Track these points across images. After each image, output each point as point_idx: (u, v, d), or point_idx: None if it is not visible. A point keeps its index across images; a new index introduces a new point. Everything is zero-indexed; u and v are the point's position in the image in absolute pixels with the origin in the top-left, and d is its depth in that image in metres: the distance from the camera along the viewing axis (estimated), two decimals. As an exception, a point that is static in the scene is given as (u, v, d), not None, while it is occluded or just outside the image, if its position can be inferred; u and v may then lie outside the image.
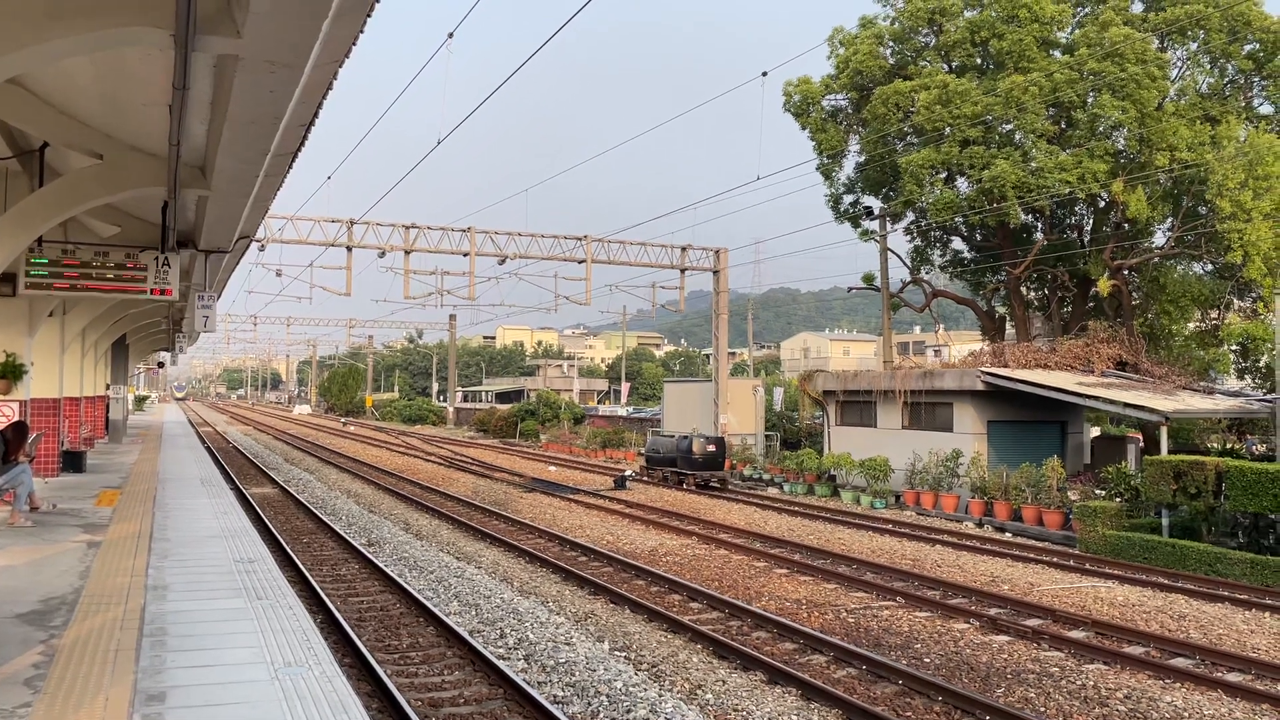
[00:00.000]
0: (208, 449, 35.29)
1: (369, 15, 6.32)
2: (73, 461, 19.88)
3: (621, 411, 65.90)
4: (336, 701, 5.87)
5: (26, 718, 5.21)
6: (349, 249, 32.40)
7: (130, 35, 6.05)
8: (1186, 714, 9.63)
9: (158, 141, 10.22)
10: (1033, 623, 12.96)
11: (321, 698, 5.92)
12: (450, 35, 12.53)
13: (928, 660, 11.41)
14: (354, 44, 6.81)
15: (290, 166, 10.31)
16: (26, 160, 12.53)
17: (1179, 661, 11.36)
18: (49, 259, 13.13)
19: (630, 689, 9.61)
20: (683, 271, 37.58)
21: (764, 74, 22.93)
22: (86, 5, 5.81)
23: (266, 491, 27.22)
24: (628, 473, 32.30)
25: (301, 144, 9.37)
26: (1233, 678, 10.76)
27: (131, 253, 13.63)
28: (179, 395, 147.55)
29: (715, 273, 37.57)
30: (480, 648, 10.67)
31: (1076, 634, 12.49)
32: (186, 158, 9.42)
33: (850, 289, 37.18)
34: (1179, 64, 29.02)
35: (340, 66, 7.22)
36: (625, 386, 79.36)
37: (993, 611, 13.64)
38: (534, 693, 9.16)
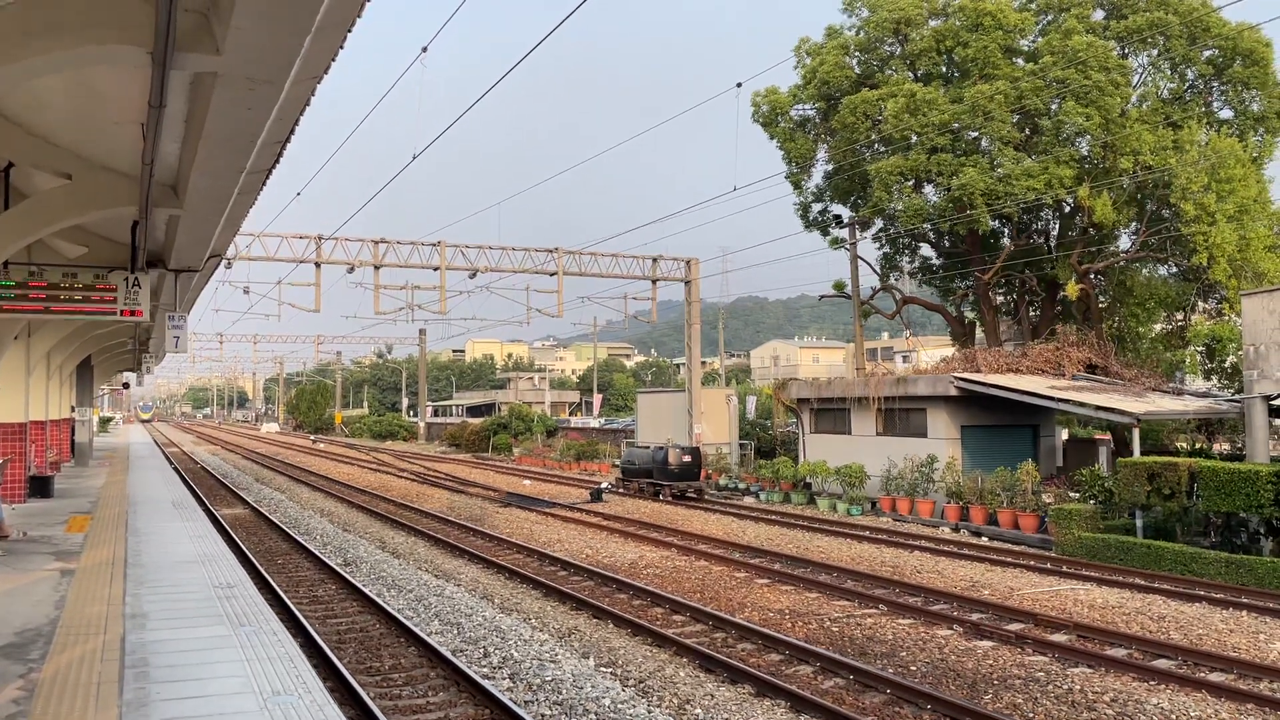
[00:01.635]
0: (176, 470, 34.77)
1: (350, 30, 6.25)
2: (40, 487, 19.49)
3: (594, 423, 65.75)
4: (329, 730, 5.75)
5: (9, 757, 5.05)
6: (318, 265, 32.10)
7: (107, 54, 5.93)
8: (1173, 715, 9.69)
9: (129, 160, 10.05)
10: (1015, 627, 13.01)
11: (313, 726, 5.79)
12: (424, 50, 12.45)
13: (914, 668, 11.41)
14: (333, 59, 6.73)
15: (264, 184, 10.18)
16: (-10, 181, 12.28)
17: (1162, 663, 11.45)
18: (15, 281, 12.87)
19: (619, 706, 9.52)
20: (654, 282, 37.59)
21: (738, 85, 23.03)
22: (63, 24, 5.68)
23: (238, 512, 26.84)
24: (604, 485, 32.19)
25: (276, 161, 9.25)
26: (1215, 678, 10.85)
27: (100, 273, 13.39)
28: (145, 417, 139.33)
29: (687, 283, 37.62)
30: (464, 667, 10.54)
31: (1059, 638, 12.55)
32: (159, 176, 9.25)
33: (821, 297, 37.33)
34: (1141, 70, 29.44)
35: (319, 82, 7.14)
36: (597, 398, 79.21)
37: (975, 617, 13.68)
38: (521, 712, 9.05)
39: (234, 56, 5.80)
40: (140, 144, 8.49)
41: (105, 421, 73.50)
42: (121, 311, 13.18)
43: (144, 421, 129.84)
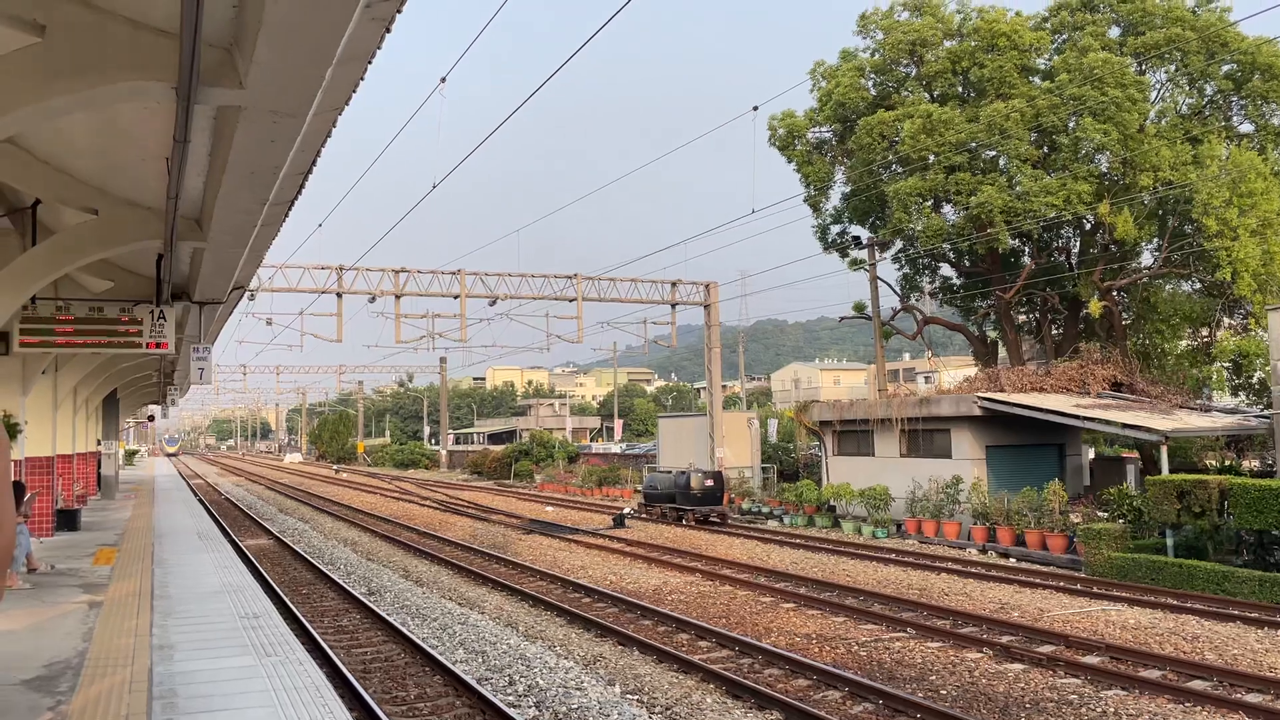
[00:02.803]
0: (200, 502, 34.92)
1: (370, 62, 6.32)
2: (68, 520, 19.62)
3: (615, 448, 65.69)
4: (356, 760, 5.72)
5: (39, 790, 5.05)
6: (339, 295, 32.34)
7: (131, 90, 6.02)
8: (1211, 738, 9.51)
9: (154, 195, 10.18)
10: (1046, 649, 12.83)
11: (341, 757, 5.77)
12: (443, 80, 12.58)
13: (944, 692, 11.26)
14: (355, 90, 6.80)
15: (286, 215, 10.27)
16: (18, 218, 12.46)
17: (1197, 684, 11.25)
18: (43, 316, 13.02)
19: (646, 733, 9.44)
20: (674, 306, 37.61)
21: (755, 108, 23.16)
22: (88, 62, 5.77)
23: (262, 543, 26.92)
24: (626, 510, 32.09)
25: (299, 192, 9.34)
26: (1252, 698, 10.65)
27: (126, 307, 13.53)
28: (170, 450, 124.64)
29: (706, 306, 37.63)
30: (490, 695, 10.49)
31: (1091, 659, 12.37)
32: (184, 210, 9.37)
33: (841, 318, 37.27)
34: (1158, 86, 29.38)
35: (340, 113, 7.21)
36: (618, 423, 79.18)
37: (1005, 639, 13.50)
38: (549, 741, 8.98)
39: (257, 90, 5.87)
40: (164, 178, 8.61)
41: (131, 454, 74.07)
42: (147, 344, 13.30)
43: (170, 455, 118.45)
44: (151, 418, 70.25)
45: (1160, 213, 27.86)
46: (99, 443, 33.87)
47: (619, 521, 29.82)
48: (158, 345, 13.40)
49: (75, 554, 15.67)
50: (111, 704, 6.67)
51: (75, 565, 14.33)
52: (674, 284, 37.18)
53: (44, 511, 18.19)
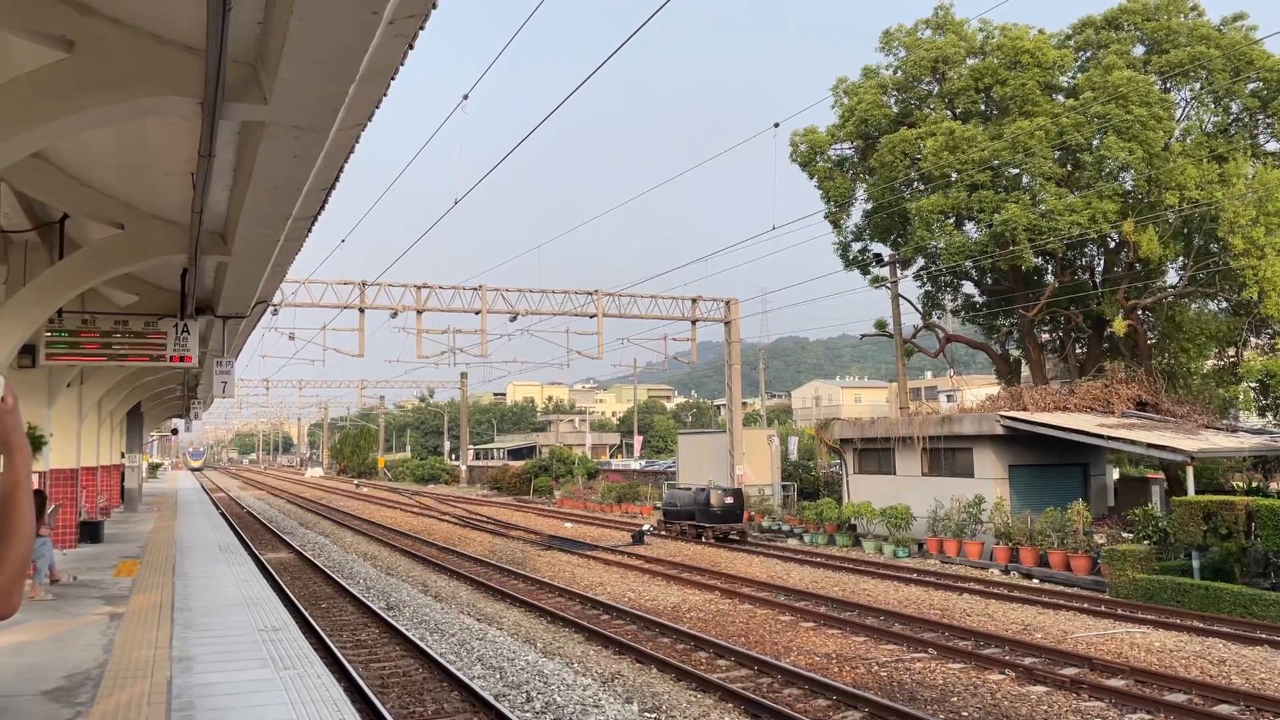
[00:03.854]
0: (222, 515, 35.14)
1: (393, 79, 6.36)
2: (90, 532, 19.77)
3: (635, 465, 65.62)
4: (372, 775, 5.71)
5: (57, 800, 5.06)
6: (361, 310, 32.53)
7: (157, 105, 6.09)
8: (1238, 764, 9.34)
9: (179, 209, 10.29)
10: (1070, 671, 12.66)
11: (357, 771, 5.76)
12: (465, 97, 12.67)
13: (965, 714, 11.13)
14: (377, 106, 6.85)
15: (310, 230, 10.35)
16: (46, 232, 12.62)
17: (1224, 709, 11.07)
18: (69, 329, 13.16)
19: (664, 752, 9.36)
20: (694, 323, 37.59)
21: (775, 125, 23.17)
22: (115, 78, 5.85)
23: (283, 556, 27.01)
24: (645, 527, 32.00)
25: (322, 208, 9.41)
26: (1282, 724, 10.46)
27: (150, 320, 13.66)
28: (195, 465, 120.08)
29: (726, 323, 37.59)
30: (508, 713, 10.45)
31: (1116, 682, 12.20)
32: (208, 224, 9.45)
33: (863, 336, 37.14)
34: (1183, 104, 29.20)
35: (363, 129, 7.27)
36: (638, 440, 79.11)
37: (1028, 661, 13.34)
38: (566, 758, 8.93)
39: (281, 106, 5.93)
40: (189, 193, 8.69)
41: (154, 468, 74.63)
42: (171, 357, 13.42)
43: (194, 470, 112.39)
44: (175, 431, 70.78)
45: (1186, 231, 27.65)
46: (123, 455, 34.14)
47: (638, 538, 29.74)
48: (181, 358, 13.51)
49: (97, 566, 15.78)
50: (131, 715, 6.69)
51: (97, 577, 14.42)
52: (694, 300, 37.17)
53: (67, 523, 18.34)
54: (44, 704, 7.06)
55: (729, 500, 29.90)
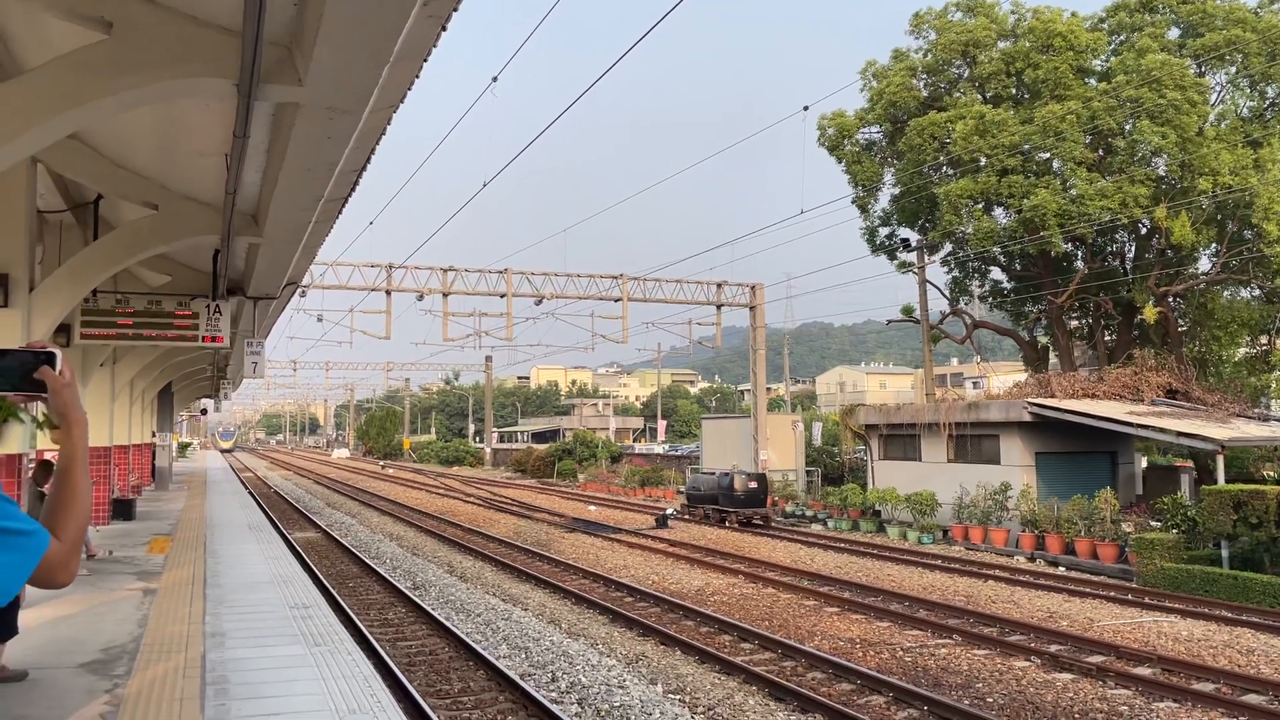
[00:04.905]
0: (250, 494, 35.53)
1: (425, 60, 6.39)
2: (123, 509, 20.06)
3: (658, 449, 65.70)
4: (404, 750, 5.79)
5: (97, 769, 5.17)
6: (388, 293, 32.69)
7: (194, 86, 6.15)
8: (1267, 754, 9.29)
9: (212, 190, 10.38)
10: (1096, 660, 12.61)
11: (388, 746, 5.84)
12: (494, 79, 12.67)
13: (990, 700, 11.12)
14: (409, 88, 6.88)
15: (340, 212, 10.42)
16: (81, 213, 12.78)
17: (1252, 698, 11.00)
18: (103, 309, 13.33)
19: (689, 733, 9.43)
20: (719, 308, 37.51)
21: (805, 108, 23.02)
22: (153, 59, 5.90)
23: (310, 536, 27.30)
24: (669, 511, 32.08)
25: (353, 189, 9.47)
26: (1312, 715, 10.38)
27: (183, 301, 13.80)
28: (225, 446, 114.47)
29: (752, 308, 37.49)
30: (533, 692, 10.54)
31: (1143, 671, 12.14)
32: (240, 205, 9.53)
33: (889, 321, 36.95)
34: (1218, 88, 28.74)
35: (395, 111, 7.31)
36: (662, 424, 79.14)
37: (1053, 648, 13.30)
38: (592, 737, 9.01)
39: (315, 87, 5.97)
40: (223, 174, 8.77)
41: (184, 447, 75.50)
42: (203, 338, 13.56)
43: (224, 451, 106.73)
44: (204, 411, 71.54)
45: (1219, 217, 27.26)
46: (154, 435, 34.58)
47: (661, 522, 29.82)
48: (213, 339, 13.65)
49: (130, 542, 16.02)
50: (166, 688, 6.81)
51: (130, 553, 14.65)
52: (719, 285, 37.09)
53: (101, 500, 18.61)
54: (82, 676, 7.20)
55: (753, 485, 29.91)
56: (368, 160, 8.52)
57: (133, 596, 10.77)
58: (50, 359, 2.03)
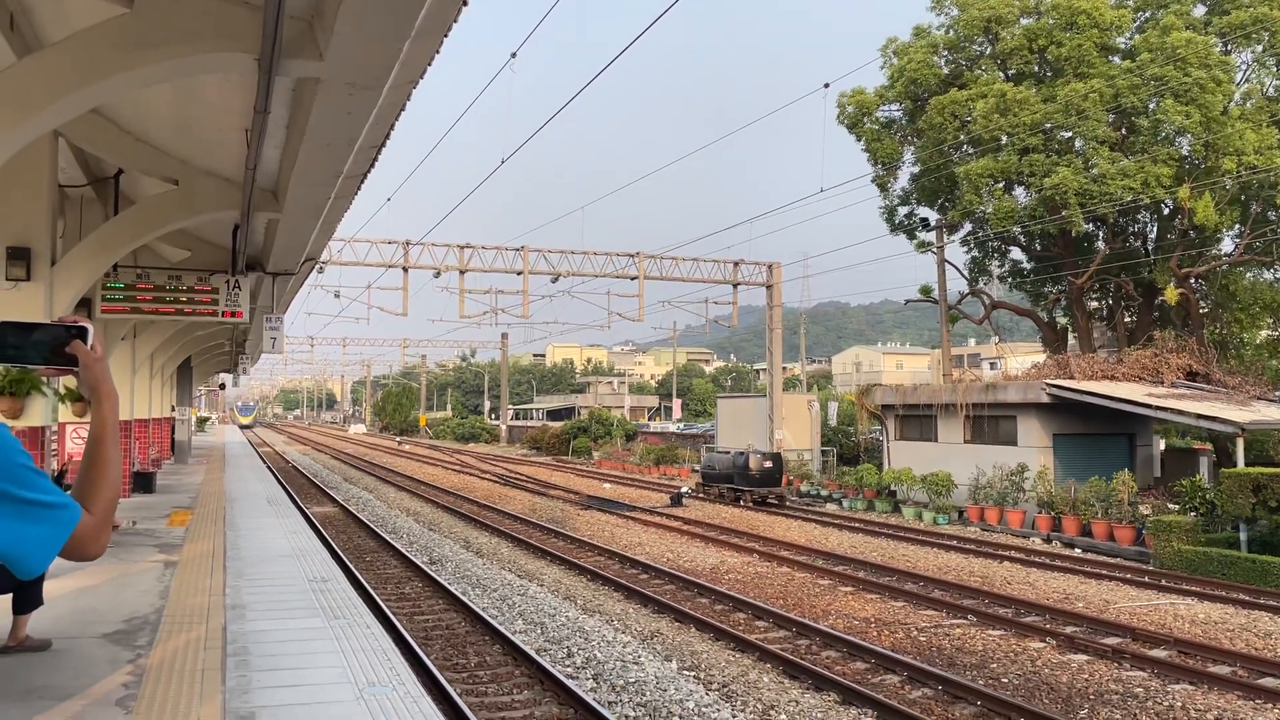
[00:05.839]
0: (269, 469, 35.77)
1: (446, 35, 6.36)
2: (143, 482, 20.25)
3: (673, 428, 65.78)
4: (423, 722, 5.85)
5: (121, 737, 5.25)
6: (405, 270, 32.77)
7: (215, 61, 6.15)
8: (1283, 737, 9.28)
9: (232, 166, 10.40)
10: (1112, 641, 12.60)
11: (408, 718, 5.90)
12: (513, 55, 12.62)
13: (1005, 680, 11.14)
14: (429, 64, 6.86)
15: (359, 188, 10.43)
16: (101, 187, 12.84)
17: (1269, 681, 10.97)
18: (124, 284, 13.41)
19: (703, 709, 9.49)
20: (735, 286, 37.44)
21: (826, 85, 22.84)
22: (174, 33, 5.91)
23: (328, 510, 27.51)
24: (684, 489, 32.15)
25: (372, 165, 9.46)
26: (1329, 699, 10.35)
27: (203, 276, 13.87)
28: (244, 421, 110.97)
29: (768, 287, 37.38)
30: (549, 667, 10.62)
31: (1159, 653, 12.12)
32: (260, 181, 9.56)
33: (907, 301, 36.78)
34: (1244, 67, 28.36)
35: (415, 87, 7.29)
36: (677, 403, 79.17)
37: (1069, 630, 13.29)
38: (606, 713, 9.08)
39: (336, 62, 5.96)
40: (243, 150, 8.79)
41: (202, 421, 76.08)
42: (223, 313, 13.63)
43: (244, 427, 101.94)
44: (223, 385, 72.00)
45: (1243, 198, 26.96)
46: (173, 409, 34.84)
47: (676, 500, 29.90)
48: (233, 314, 13.72)
49: (151, 515, 16.18)
50: (188, 659, 6.90)
51: (151, 526, 14.80)
52: (736, 264, 36.99)
53: (122, 473, 18.78)
54: (105, 646, 7.30)
55: (768, 464, 29.93)
56: (387, 136, 8.51)
57: (154, 568, 10.89)
58: (83, 333, 2.04)
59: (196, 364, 36.70)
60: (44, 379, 9.83)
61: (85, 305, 13.92)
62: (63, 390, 12.81)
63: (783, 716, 9.60)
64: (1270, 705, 10.19)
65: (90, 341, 2.05)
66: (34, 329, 2.03)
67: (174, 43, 5.94)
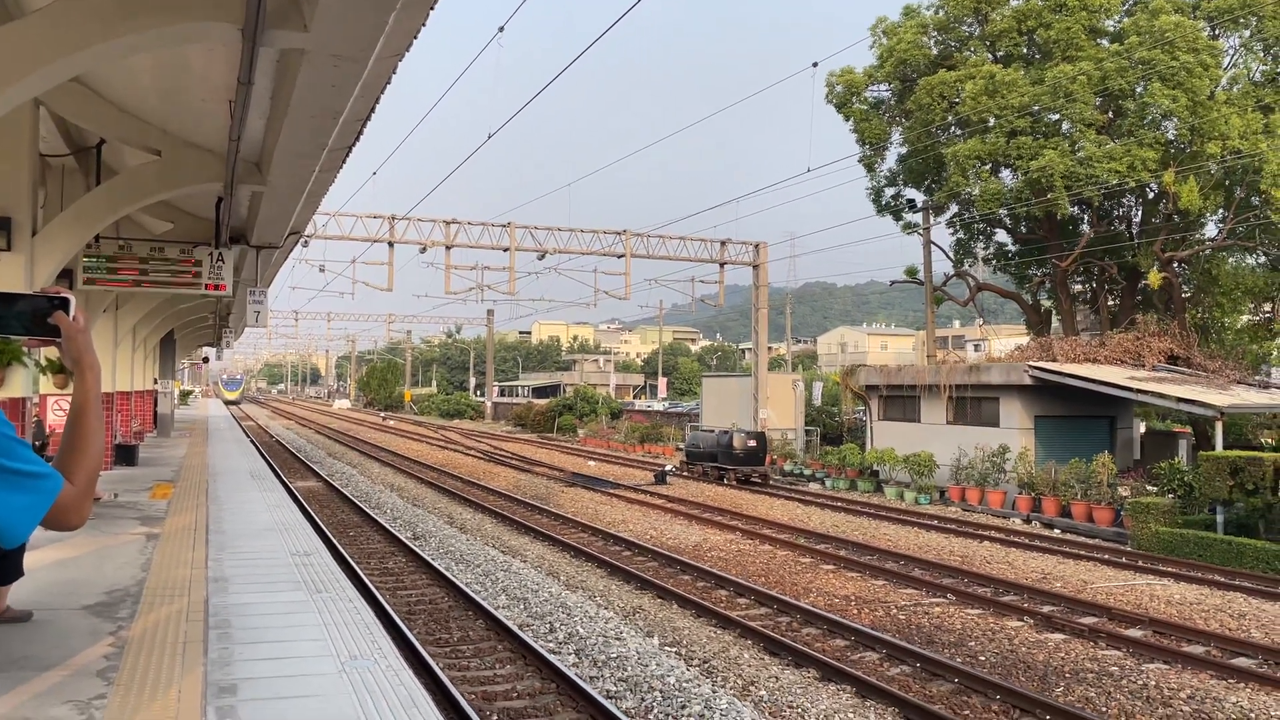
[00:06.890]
0: (252, 443, 35.68)
1: (432, 8, 6.32)
2: (126, 455, 20.18)
3: (658, 406, 65.87)
4: (405, 696, 5.88)
5: (102, 709, 5.26)
6: (391, 245, 32.59)
7: (199, 30, 6.09)
8: (1253, 714, 9.44)
9: (216, 137, 10.32)
10: (1088, 621, 12.76)
11: (390, 691, 5.93)
12: (500, 29, 12.53)
13: (983, 658, 11.27)
14: (415, 37, 6.82)
15: (344, 161, 10.37)
16: (83, 157, 12.71)
17: (1242, 661, 11.14)
18: (106, 255, 13.30)
19: (683, 685, 9.57)
20: (722, 265, 37.41)
21: (814, 64, 22.80)
22: (158, 2, 5.84)
23: (311, 485, 27.49)
24: (668, 468, 32.26)
25: (357, 139, 9.41)
26: (1299, 678, 10.52)
27: (186, 248, 13.78)
28: (230, 396, 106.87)
29: (755, 266, 37.39)
30: (531, 642, 10.69)
31: (1134, 632, 12.29)
32: (244, 153, 9.49)
33: (892, 282, 36.87)
34: (1231, 52, 28.43)
35: (400, 60, 7.24)
36: (662, 381, 79.28)
37: (1046, 609, 13.45)
38: (587, 687, 9.14)
39: (321, 33, 5.91)
40: (227, 121, 8.72)
41: (185, 395, 75.69)
42: (206, 285, 13.56)
43: (229, 403, 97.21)
44: (206, 359, 71.63)
45: (1227, 183, 27.08)
46: (156, 382, 34.66)
47: (660, 478, 30.00)
48: (216, 287, 13.64)
49: (133, 487, 16.13)
50: (170, 631, 6.91)
51: (133, 498, 14.76)
52: (723, 243, 36.95)
53: (103, 444, 18.69)
54: (86, 618, 7.30)
55: (752, 443, 30.04)
56: (372, 109, 8.46)
57: (136, 541, 10.87)
58: (65, 304, 2.04)
59: (180, 336, 36.48)
60: (25, 350, 9.78)
61: (67, 276, 13.81)
62: (44, 362, 12.72)
63: (762, 692, 9.69)
64: (1242, 684, 10.35)
65: (73, 313, 2.05)
66: (15, 299, 2.03)
67: (157, 11, 5.87)
